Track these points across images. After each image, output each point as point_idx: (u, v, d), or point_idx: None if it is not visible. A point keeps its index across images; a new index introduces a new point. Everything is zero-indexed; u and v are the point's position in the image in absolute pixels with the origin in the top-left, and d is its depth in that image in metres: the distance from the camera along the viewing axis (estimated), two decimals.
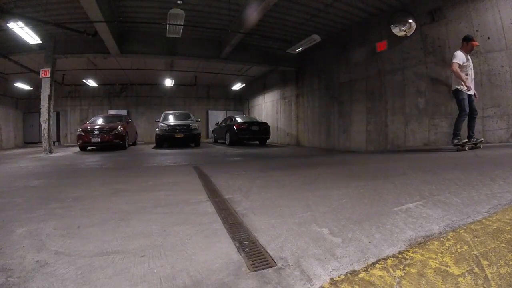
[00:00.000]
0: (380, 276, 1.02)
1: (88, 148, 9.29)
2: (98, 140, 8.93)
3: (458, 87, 4.39)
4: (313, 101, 10.33)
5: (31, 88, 13.31)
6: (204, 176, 3.35)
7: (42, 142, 8.45)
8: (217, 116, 16.47)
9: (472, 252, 1.13)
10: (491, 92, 5.03)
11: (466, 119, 4.42)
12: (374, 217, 1.59)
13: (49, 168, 4.75)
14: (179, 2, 6.61)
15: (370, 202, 1.90)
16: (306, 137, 10.88)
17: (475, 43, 4.43)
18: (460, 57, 4.34)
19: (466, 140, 4.40)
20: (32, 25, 6.65)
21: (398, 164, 3.54)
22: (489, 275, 0.98)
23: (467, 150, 4.28)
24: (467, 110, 4.33)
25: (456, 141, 4.41)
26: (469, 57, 4.48)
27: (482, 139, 4.63)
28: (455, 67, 4.29)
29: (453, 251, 1.15)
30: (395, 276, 1.01)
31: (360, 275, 1.03)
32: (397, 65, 6.79)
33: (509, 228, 1.32)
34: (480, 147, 4.48)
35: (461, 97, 4.36)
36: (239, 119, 11.51)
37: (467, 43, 4.42)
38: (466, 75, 4.39)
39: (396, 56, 6.80)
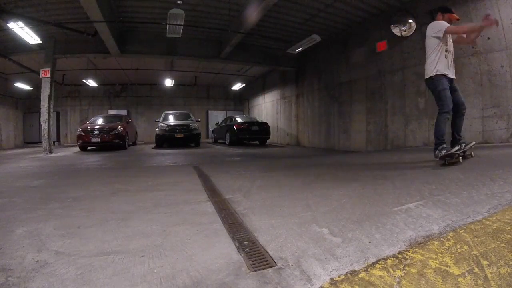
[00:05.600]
0: (380, 276, 1.02)
1: (88, 148, 9.29)
2: (98, 140, 8.93)
3: (434, 73, 3.19)
4: (313, 101, 10.32)
5: (31, 88, 13.31)
6: (204, 176, 3.35)
7: (42, 142, 8.44)
8: (217, 116, 16.46)
9: (472, 252, 1.13)
10: (491, 92, 5.03)
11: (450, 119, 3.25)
12: (374, 217, 1.59)
13: (49, 168, 4.74)
14: (179, 2, 6.60)
15: (370, 202, 1.90)
16: (306, 137, 10.88)
17: (454, 16, 3.30)
18: (442, 23, 3.19)
19: (457, 147, 3.06)
20: (32, 25, 6.64)
21: (398, 164, 3.54)
22: (489, 275, 0.98)
23: (461, 161, 3.01)
24: (451, 106, 3.11)
25: (442, 151, 3.00)
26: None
27: (474, 142, 3.42)
28: (452, 29, 3.11)
29: (453, 251, 1.15)
30: (395, 276, 1.01)
31: (360, 275, 1.03)
32: (397, 65, 6.79)
33: (509, 228, 1.32)
34: (471, 156, 3.28)
35: (440, 87, 3.13)
36: (239, 119, 11.50)
37: (443, 15, 3.30)
38: (445, 57, 3.22)
39: (396, 56, 6.80)
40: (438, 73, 3.19)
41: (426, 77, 3.33)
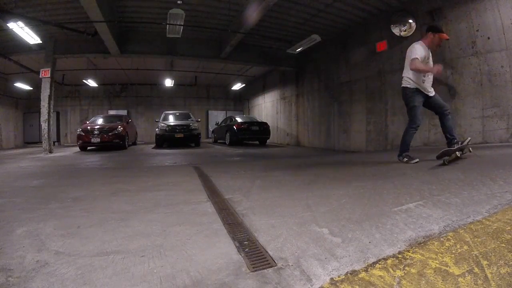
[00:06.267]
0: (380, 276, 1.02)
1: (88, 148, 9.29)
2: (98, 140, 8.93)
3: (408, 85, 3.38)
4: (313, 101, 10.32)
5: (31, 88, 13.30)
6: (204, 176, 3.35)
7: (42, 142, 8.44)
8: (217, 116, 16.46)
9: (472, 252, 1.13)
10: (491, 92, 5.03)
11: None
12: (374, 217, 1.59)
13: (49, 168, 4.74)
14: (179, 2, 6.60)
15: (370, 202, 1.90)
16: (306, 137, 10.88)
17: (445, 35, 3.38)
18: (419, 51, 3.28)
19: (447, 152, 3.14)
20: (32, 25, 6.64)
21: (398, 164, 3.53)
22: (489, 275, 0.98)
23: (459, 156, 3.14)
24: (419, 122, 3.39)
25: (405, 159, 3.42)
26: (430, 53, 3.43)
27: (469, 138, 3.52)
28: (417, 64, 3.21)
29: (453, 251, 1.15)
30: (395, 276, 1.01)
31: (360, 275, 1.03)
32: (397, 65, 6.78)
33: (509, 228, 1.32)
34: (469, 151, 3.37)
35: (411, 104, 3.36)
36: (239, 119, 11.51)
37: (433, 35, 3.36)
38: (424, 75, 3.36)
39: (396, 56, 6.79)
40: (410, 86, 3.39)
41: (402, 86, 3.49)
